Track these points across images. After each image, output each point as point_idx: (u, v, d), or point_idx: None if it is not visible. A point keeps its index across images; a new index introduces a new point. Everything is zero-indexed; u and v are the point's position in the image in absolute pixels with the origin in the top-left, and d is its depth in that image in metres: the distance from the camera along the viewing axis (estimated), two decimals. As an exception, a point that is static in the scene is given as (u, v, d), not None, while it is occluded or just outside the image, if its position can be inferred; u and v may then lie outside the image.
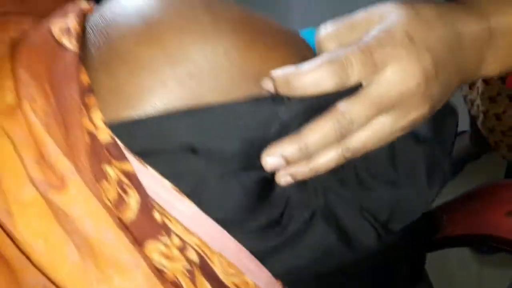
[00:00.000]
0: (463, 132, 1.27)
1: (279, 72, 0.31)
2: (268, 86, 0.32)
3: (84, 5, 0.35)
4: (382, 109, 0.32)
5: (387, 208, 0.36)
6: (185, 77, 0.31)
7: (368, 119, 0.32)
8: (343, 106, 0.32)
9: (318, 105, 0.32)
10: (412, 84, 0.32)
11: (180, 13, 0.32)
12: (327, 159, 0.33)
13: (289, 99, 0.32)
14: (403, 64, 0.32)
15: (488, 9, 0.37)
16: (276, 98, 0.32)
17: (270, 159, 0.32)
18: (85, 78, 0.31)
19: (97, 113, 0.30)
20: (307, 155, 0.32)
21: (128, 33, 0.32)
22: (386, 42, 0.32)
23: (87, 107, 0.30)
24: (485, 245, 0.58)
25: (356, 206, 0.36)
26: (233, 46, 0.32)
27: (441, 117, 0.38)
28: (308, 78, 0.31)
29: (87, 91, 0.30)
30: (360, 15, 0.35)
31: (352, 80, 0.31)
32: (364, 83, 0.32)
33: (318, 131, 0.32)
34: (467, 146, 1.24)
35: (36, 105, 0.30)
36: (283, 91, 0.31)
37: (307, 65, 0.31)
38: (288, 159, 0.32)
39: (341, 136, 0.32)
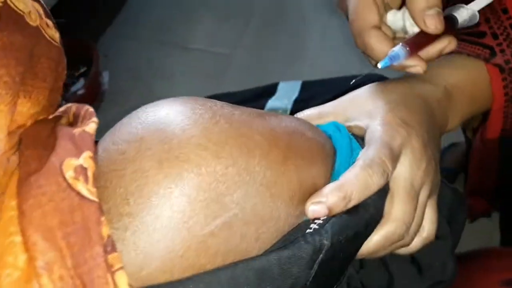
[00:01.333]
0: (455, 143, 1.28)
1: (331, 190, 0.32)
2: (316, 211, 0.32)
3: (93, 129, 0.31)
4: (417, 190, 0.36)
5: None
6: (223, 227, 0.29)
7: (416, 207, 0.36)
8: (395, 213, 0.35)
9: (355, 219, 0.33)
10: (422, 157, 0.37)
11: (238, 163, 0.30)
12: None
13: (327, 226, 0.31)
14: (411, 146, 0.36)
15: (441, 74, 0.45)
16: (317, 230, 0.31)
17: None
18: (106, 231, 0.27)
19: (122, 278, 0.27)
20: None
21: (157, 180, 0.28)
22: (394, 134, 0.36)
23: (111, 271, 0.27)
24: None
25: None
26: (276, 182, 0.31)
27: (456, 209, 0.44)
28: (358, 186, 0.32)
29: (110, 249, 0.27)
30: (349, 99, 0.41)
31: (390, 176, 0.35)
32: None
33: (385, 249, 0.36)
34: (459, 157, 1.26)
35: (53, 274, 0.26)
36: (340, 208, 0.32)
37: (350, 174, 0.33)
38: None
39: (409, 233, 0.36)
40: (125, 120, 0.33)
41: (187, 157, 0.29)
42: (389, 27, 0.43)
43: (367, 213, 0.34)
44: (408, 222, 0.35)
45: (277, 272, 0.29)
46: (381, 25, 0.42)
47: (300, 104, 0.83)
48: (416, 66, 0.40)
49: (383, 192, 0.35)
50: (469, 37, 0.45)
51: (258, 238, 0.30)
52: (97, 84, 1.68)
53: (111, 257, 0.27)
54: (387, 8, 0.44)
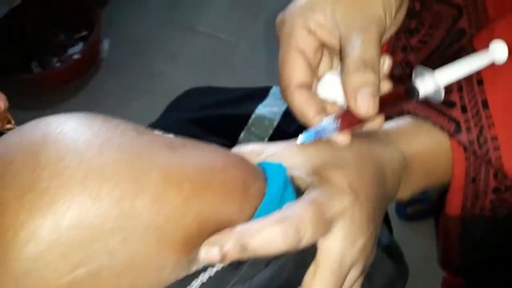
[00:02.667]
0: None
1: (228, 235, 0.28)
2: (210, 255, 0.27)
3: None
4: (346, 270, 0.31)
5: None
6: (87, 278, 0.25)
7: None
8: None
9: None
10: (361, 233, 0.32)
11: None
12: None
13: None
14: (351, 218, 0.31)
15: (401, 140, 0.40)
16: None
17: None
18: None
19: None
20: None
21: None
22: (334, 199, 0.31)
23: None
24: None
25: None
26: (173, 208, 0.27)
27: (395, 280, 0.40)
28: (259, 242, 0.28)
29: None
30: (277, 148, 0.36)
31: (305, 242, 0.29)
32: (318, 243, 0.31)
33: None
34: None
35: None
36: (234, 254, 0.27)
37: (258, 224, 0.29)
38: None
39: None
40: (8, 134, 0.28)
41: (55, 191, 0.24)
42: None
43: (275, 283, 0.29)
44: None
45: None
46: (310, 81, 0.37)
47: (287, 118, 0.79)
48: (341, 143, 0.35)
49: (301, 261, 0.31)
50: (438, 104, 0.40)
51: None
52: (95, 51, 1.64)
53: None
54: (336, 58, 0.39)
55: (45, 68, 1.62)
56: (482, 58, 0.37)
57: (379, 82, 0.33)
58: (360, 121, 0.34)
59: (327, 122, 0.34)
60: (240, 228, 0.28)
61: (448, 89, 0.39)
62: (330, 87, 0.36)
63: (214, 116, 0.76)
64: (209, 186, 0.28)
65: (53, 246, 0.24)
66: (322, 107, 0.36)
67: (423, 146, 0.40)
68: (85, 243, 0.24)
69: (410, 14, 0.48)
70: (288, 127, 0.76)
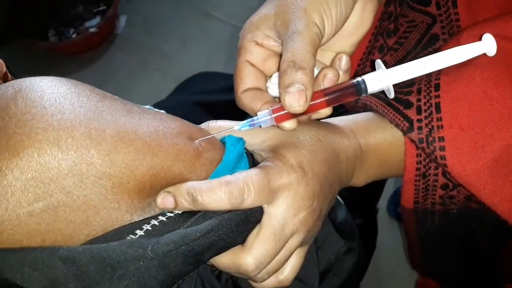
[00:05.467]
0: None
1: (181, 186, 0.33)
2: (165, 201, 0.33)
3: None
4: (287, 235, 0.36)
5: None
6: (45, 210, 0.29)
7: (278, 251, 0.36)
8: (253, 249, 0.35)
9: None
10: (304, 206, 0.36)
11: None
12: None
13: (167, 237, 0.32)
14: (295, 191, 0.36)
15: (359, 132, 0.44)
16: (150, 236, 0.32)
17: None
18: None
19: None
20: None
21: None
22: (282, 173, 0.36)
23: None
24: None
25: None
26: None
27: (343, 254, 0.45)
28: (207, 197, 0.33)
29: None
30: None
31: (247, 203, 0.34)
32: (264, 206, 0.36)
33: (231, 272, 0.37)
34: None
35: None
36: (186, 204, 0.33)
37: (208, 183, 0.34)
38: None
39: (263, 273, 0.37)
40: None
41: (19, 138, 0.29)
42: None
43: (214, 236, 0.33)
44: (262, 262, 0.35)
45: (88, 263, 0.29)
46: (259, 85, 0.41)
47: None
48: (286, 128, 0.39)
49: (245, 221, 0.35)
50: (395, 104, 0.43)
51: (88, 225, 0.31)
52: (111, 26, 1.68)
53: None
54: None
55: (61, 37, 1.67)
56: (473, 48, 0.39)
57: (311, 79, 0.36)
58: (294, 114, 0.37)
59: (263, 114, 0.38)
60: (191, 184, 0.33)
61: (409, 91, 0.42)
62: (276, 85, 0.41)
63: (219, 101, 0.80)
64: (160, 147, 0.33)
65: (15, 182, 0.28)
66: (270, 100, 0.39)
67: (378, 139, 0.43)
68: (44, 182, 0.29)
69: (390, 17, 0.51)
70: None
